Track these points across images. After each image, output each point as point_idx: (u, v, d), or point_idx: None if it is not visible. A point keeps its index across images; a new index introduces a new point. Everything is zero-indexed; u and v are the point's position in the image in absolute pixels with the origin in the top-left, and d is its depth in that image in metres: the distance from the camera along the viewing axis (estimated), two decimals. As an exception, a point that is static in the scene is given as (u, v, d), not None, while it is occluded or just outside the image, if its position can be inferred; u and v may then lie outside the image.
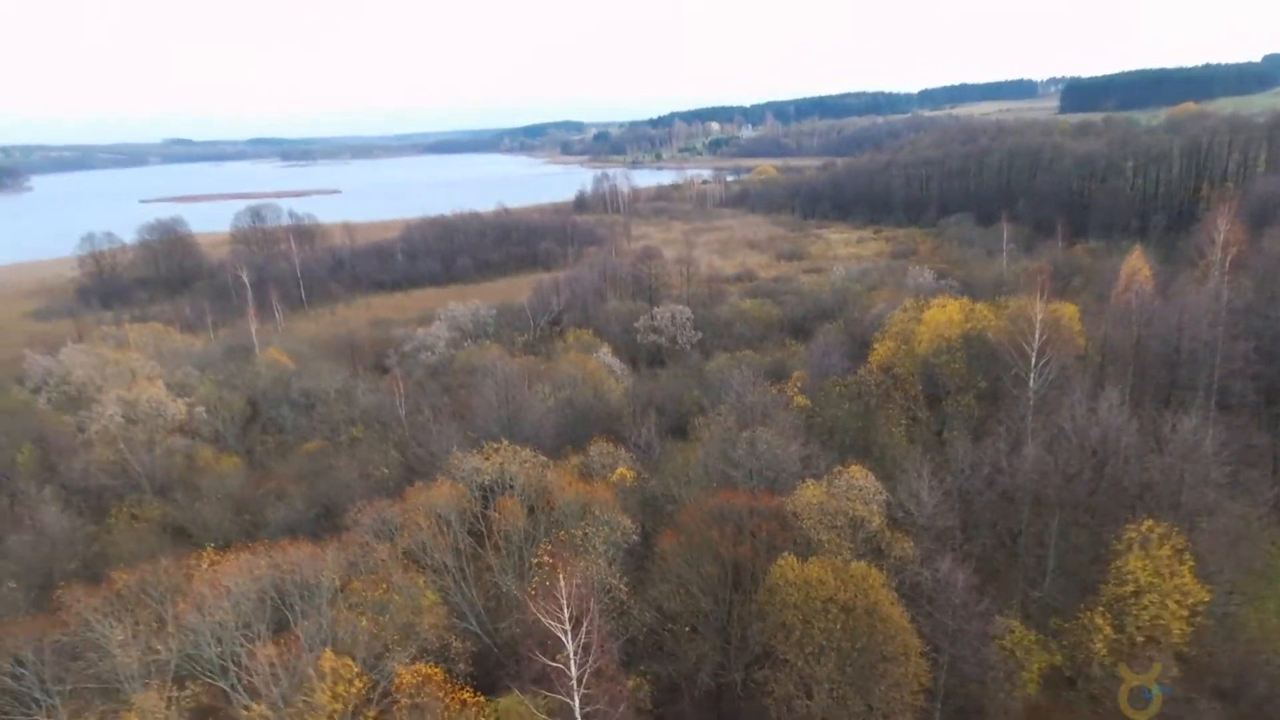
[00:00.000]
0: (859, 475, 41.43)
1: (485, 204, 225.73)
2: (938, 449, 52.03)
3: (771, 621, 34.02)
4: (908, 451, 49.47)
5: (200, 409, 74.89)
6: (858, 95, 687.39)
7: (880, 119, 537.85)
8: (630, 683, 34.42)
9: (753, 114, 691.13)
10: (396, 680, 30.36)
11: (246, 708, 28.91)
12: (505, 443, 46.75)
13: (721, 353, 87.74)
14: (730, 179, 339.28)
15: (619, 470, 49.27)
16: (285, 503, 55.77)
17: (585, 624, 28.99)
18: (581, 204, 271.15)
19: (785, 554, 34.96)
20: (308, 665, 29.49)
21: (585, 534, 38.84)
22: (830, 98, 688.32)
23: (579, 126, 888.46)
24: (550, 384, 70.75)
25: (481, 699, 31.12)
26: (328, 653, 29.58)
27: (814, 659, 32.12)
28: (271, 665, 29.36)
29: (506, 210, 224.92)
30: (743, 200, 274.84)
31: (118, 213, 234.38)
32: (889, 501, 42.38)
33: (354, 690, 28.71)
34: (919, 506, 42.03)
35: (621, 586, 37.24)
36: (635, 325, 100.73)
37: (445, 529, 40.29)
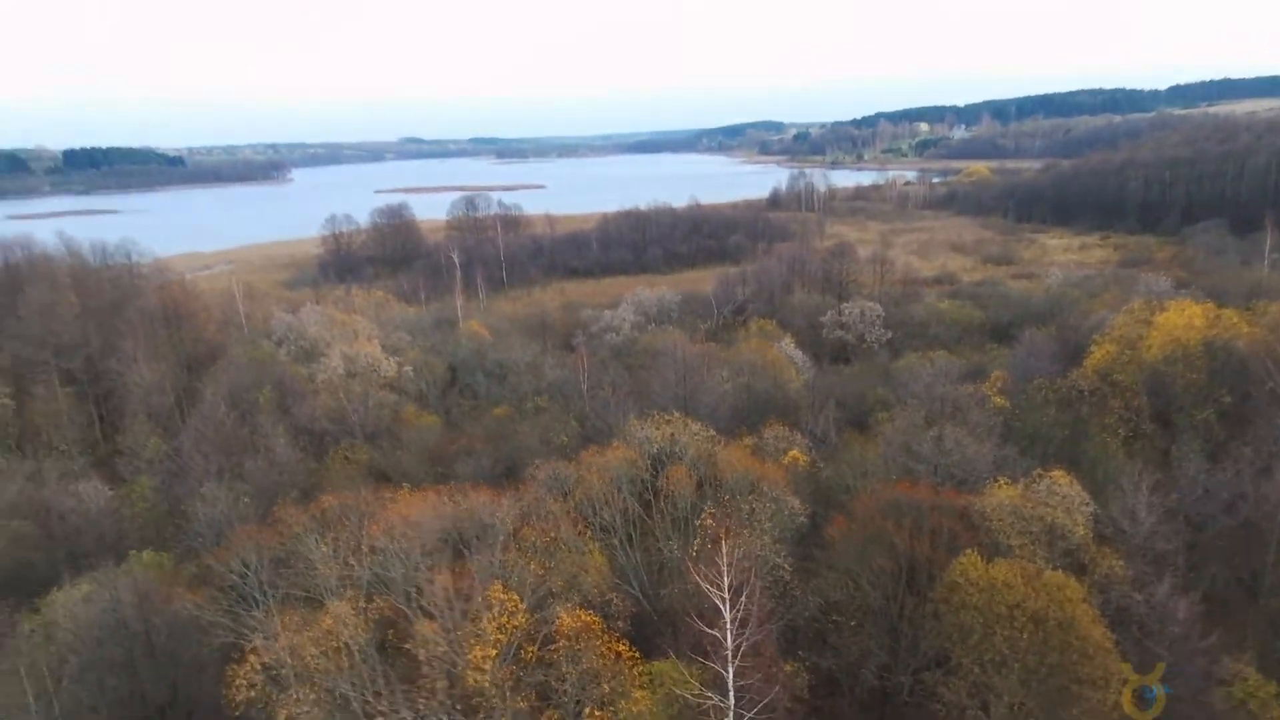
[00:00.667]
0: (1063, 481, 37.20)
1: (679, 199, 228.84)
2: (1162, 467, 45.66)
3: (948, 623, 31.37)
4: (1124, 465, 43.73)
5: (408, 369, 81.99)
6: (1092, 92, 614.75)
7: (1118, 118, 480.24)
8: (787, 667, 33.21)
9: (967, 114, 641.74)
10: (558, 624, 31.25)
11: (421, 627, 30.96)
12: (677, 415, 46.80)
13: (912, 353, 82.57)
14: (936, 180, 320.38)
15: (791, 453, 47.75)
16: (473, 459, 59.39)
17: (744, 595, 28.31)
18: (775, 201, 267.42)
19: (968, 551, 32.10)
20: (478, 596, 31.09)
21: (752, 509, 37.94)
22: (1058, 95, 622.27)
23: (778, 126, 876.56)
24: (729, 369, 70.22)
25: (637, 654, 31.30)
26: (497, 585, 31.05)
27: (994, 669, 29.22)
28: (446, 592, 31.22)
29: (699, 205, 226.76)
30: (949, 202, 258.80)
31: (356, 200, 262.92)
32: (1097, 515, 37.77)
33: (517, 624, 29.90)
34: (1134, 524, 37.18)
35: (785, 565, 35.99)
36: (821, 320, 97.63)
37: (616, 491, 41.06)
